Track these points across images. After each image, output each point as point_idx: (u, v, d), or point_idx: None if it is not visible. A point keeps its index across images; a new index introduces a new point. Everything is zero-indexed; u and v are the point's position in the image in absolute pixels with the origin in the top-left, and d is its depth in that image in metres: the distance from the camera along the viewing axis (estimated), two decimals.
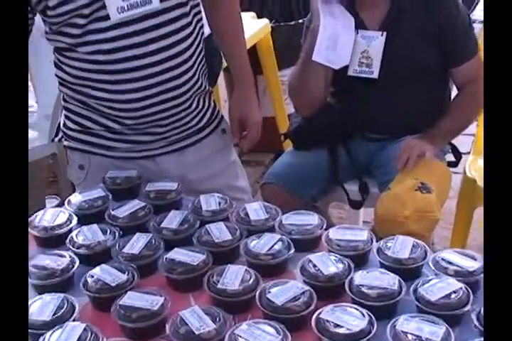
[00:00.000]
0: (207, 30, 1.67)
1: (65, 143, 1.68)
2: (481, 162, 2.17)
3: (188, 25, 1.50)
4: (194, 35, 1.52)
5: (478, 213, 2.07)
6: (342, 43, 1.97)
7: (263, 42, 3.05)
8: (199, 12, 1.57)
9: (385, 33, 1.98)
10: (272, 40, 3.10)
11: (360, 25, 2.00)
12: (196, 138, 1.65)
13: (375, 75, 2.00)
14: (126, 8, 1.39)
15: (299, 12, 3.54)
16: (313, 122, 2.11)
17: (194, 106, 1.59)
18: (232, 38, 1.70)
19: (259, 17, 3.15)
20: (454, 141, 2.11)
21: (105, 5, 1.38)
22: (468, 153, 2.30)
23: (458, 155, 2.11)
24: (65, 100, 1.62)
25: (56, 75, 1.57)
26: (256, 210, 1.40)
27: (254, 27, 2.95)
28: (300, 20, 3.18)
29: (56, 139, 1.70)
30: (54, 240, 1.38)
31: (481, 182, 2.07)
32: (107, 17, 1.39)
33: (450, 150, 2.13)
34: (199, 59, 1.56)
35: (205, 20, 1.63)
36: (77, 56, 1.47)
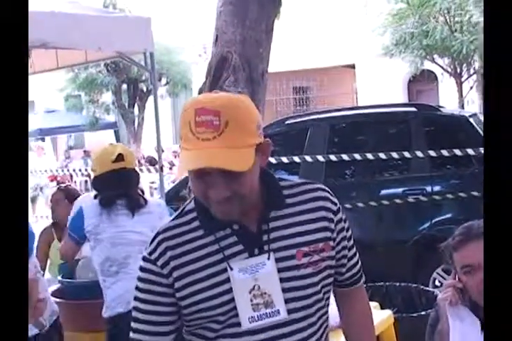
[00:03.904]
0: None
1: None
2: None
3: (315, 333, 1.57)
4: None
5: None
6: None
7: (386, 333, 3.10)
8: (326, 319, 1.64)
9: None
10: (395, 328, 3.14)
11: None
12: None
13: None
14: (256, 318, 1.50)
15: (420, 302, 3.65)
16: None
17: None
18: (361, 335, 1.74)
19: (382, 307, 3.28)
20: None
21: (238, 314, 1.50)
22: None
23: None
24: None
25: None
26: None
27: (377, 317, 2.96)
28: (423, 312, 3.27)
29: None
30: None
31: None
32: (240, 324, 1.50)
33: None
34: None
35: None
36: None
